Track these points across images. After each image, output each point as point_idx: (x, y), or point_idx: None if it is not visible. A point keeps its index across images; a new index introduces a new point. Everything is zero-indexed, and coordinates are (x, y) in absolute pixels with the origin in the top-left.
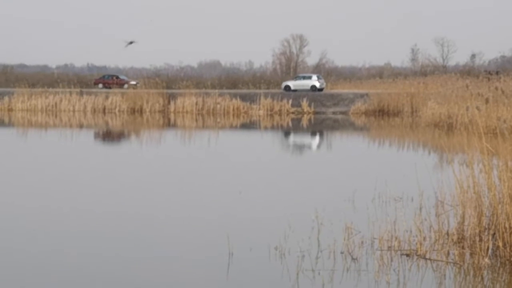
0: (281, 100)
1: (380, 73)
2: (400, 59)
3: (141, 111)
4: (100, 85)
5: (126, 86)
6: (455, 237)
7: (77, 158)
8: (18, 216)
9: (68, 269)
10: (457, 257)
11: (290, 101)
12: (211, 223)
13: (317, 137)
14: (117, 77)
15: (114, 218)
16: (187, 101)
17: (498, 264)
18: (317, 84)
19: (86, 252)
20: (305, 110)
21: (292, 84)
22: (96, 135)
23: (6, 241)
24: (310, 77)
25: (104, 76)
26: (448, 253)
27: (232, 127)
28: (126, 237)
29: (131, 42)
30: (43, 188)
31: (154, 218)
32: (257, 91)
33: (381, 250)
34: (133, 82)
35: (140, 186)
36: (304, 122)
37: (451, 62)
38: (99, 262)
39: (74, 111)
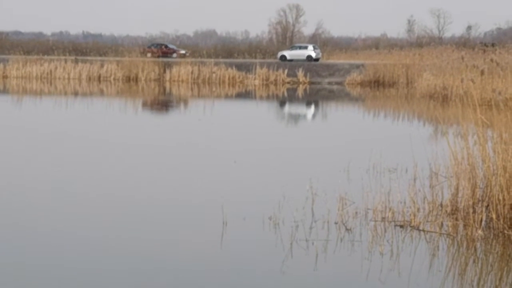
0: (277, 70)
1: (376, 44)
2: (396, 30)
3: (136, 80)
4: (149, 55)
5: (175, 55)
6: (448, 209)
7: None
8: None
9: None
10: (450, 229)
11: (286, 71)
12: (205, 193)
13: (312, 108)
14: (166, 46)
15: (105, 185)
16: (183, 70)
17: (491, 236)
18: (313, 54)
19: (75, 218)
20: (300, 80)
21: (288, 54)
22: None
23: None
24: (306, 47)
25: (152, 45)
26: (442, 225)
27: (227, 96)
28: (119, 205)
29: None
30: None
31: (146, 188)
32: (253, 60)
33: (375, 221)
34: (182, 51)
35: (130, 155)
36: (300, 92)
37: (447, 34)
38: (88, 227)
39: (69, 78)
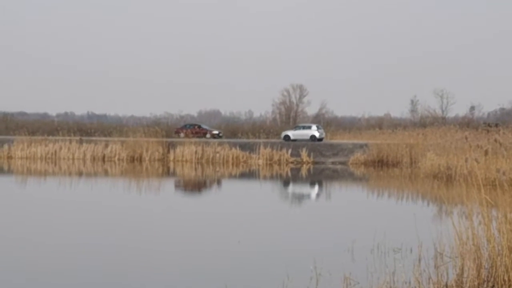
0: (281, 150)
1: (380, 124)
2: (399, 110)
3: (140, 160)
4: (182, 134)
5: (208, 135)
6: None
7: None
8: None
9: None
10: None
11: (290, 151)
12: (209, 272)
13: (316, 187)
14: (199, 126)
15: (109, 263)
16: (187, 149)
17: None
18: (317, 134)
19: None
20: (304, 160)
21: (291, 133)
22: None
23: None
24: (309, 127)
25: (185, 126)
26: None
27: (231, 176)
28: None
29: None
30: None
31: (153, 265)
32: (257, 140)
33: None
34: (215, 132)
35: (136, 236)
36: (303, 171)
37: (450, 114)
38: None
39: (73, 159)
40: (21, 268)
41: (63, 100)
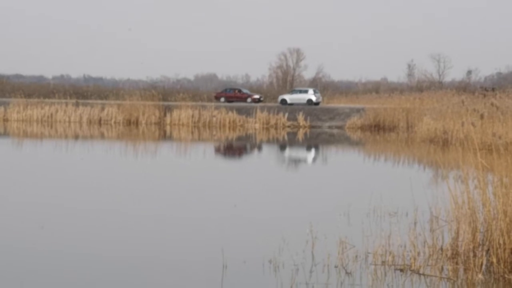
0: (277, 114)
1: (377, 88)
2: (396, 75)
3: (137, 123)
4: (222, 99)
5: (249, 100)
6: (449, 253)
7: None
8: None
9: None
10: (451, 273)
11: (286, 115)
12: (206, 236)
13: (313, 151)
14: (240, 91)
15: (108, 229)
16: (183, 113)
17: (492, 280)
18: (313, 98)
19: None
20: (301, 124)
21: (288, 97)
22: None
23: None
24: (306, 91)
25: (226, 90)
26: (442, 269)
27: (228, 140)
28: (121, 253)
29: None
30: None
31: (150, 230)
32: (253, 104)
33: (375, 265)
34: (256, 96)
35: (133, 200)
36: (300, 136)
37: (447, 78)
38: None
39: (69, 122)
40: (10, 227)
41: (59, 63)
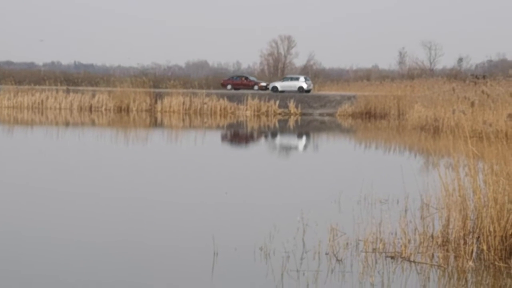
0: (268, 101)
1: (368, 76)
2: (387, 62)
3: (127, 110)
4: (229, 86)
5: (256, 87)
6: (439, 240)
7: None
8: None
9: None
10: (441, 260)
11: (277, 102)
12: (197, 223)
13: (304, 139)
14: (246, 78)
15: (97, 216)
16: (174, 100)
17: (482, 268)
18: (305, 86)
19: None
20: (292, 111)
21: (279, 85)
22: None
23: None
24: (297, 79)
25: (232, 77)
26: (433, 256)
27: (219, 127)
28: (112, 240)
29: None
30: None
31: (140, 217)
32: (244, 91)
33: (366, 252)
34: (263, 84)
35: (123, 186)
36: (291, 123)
37: (438, 66)
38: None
39: (60, 108)
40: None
41: (50, 50)
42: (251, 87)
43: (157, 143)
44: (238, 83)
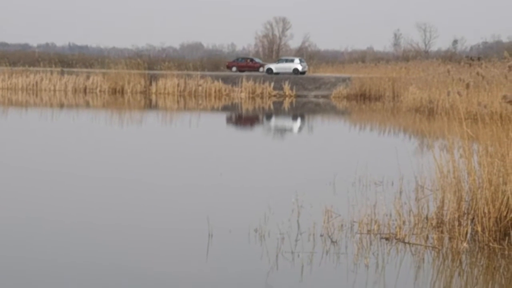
0: (263, 83)
1: (362, 58)
2: (382, 44)
3: (122, 92)
4: (234, 69)
5: (261, 69)
6: (434, 222)
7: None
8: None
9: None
10: (436, 242)
11: (272, 84)
12: (191, 205)
13: (299, 121)
14: (252, 60)
15: (92, 198)
16: (169, 82)
17: (477, 249)
18: (299, 67)
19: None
20: (287, 93)
21: (274, 67)
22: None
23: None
24: (292, 60)
25: (237, 59)
26: (427, 237)
27: (213, 109)
28: (107, 222)
29: None
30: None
31: (134, 199)
32: (239, 73)
33: (361, 234)
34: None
35: (118, 168)
36: (286, 105)
37: (433, 48)
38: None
39: (55, 90)
40: None
41: (44, 31)
42: (257, 69)
43: (152, 125)
44: (243, 65)
